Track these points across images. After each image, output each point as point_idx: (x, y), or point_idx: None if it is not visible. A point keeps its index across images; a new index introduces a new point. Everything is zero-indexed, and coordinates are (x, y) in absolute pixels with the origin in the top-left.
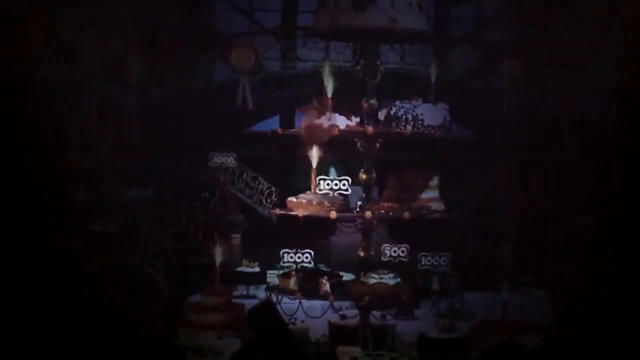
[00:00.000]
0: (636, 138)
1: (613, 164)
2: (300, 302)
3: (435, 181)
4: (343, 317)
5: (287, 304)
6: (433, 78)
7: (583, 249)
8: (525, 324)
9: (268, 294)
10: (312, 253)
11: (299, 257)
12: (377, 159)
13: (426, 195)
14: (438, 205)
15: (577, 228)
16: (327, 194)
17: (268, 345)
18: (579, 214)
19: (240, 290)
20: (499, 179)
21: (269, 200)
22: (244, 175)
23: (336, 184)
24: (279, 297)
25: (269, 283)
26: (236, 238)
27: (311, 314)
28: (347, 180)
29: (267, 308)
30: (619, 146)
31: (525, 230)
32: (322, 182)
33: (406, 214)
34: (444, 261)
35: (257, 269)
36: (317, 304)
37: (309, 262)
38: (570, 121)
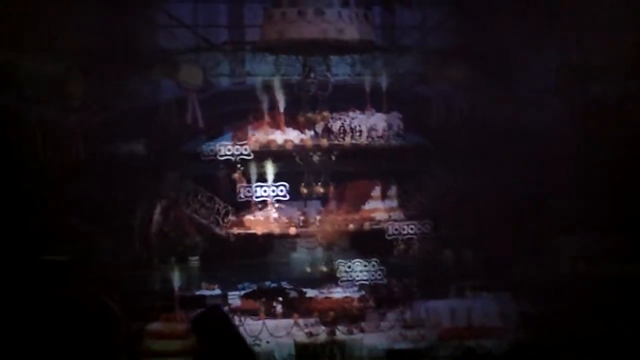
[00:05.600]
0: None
1: (560, 165)
2: (264, 323)
3: (393, 191)
4: (309, 334)
5: (250, 325)
6: (384, 87)
7: (550, 254)
8: (489, 328)
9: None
10: (287, 185)
11: (273, 191)
12: (332, 171)
13: (384, 205)
14: (397, 215)
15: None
16: (285, 209)
17: (218, 351)
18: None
19: None
20: (452, 185)
21: (225, 220)
22: (199, 196)
23: (273, 190)
24: (242, 318)
25: (230, 305)
26: (194, 261)
27: (276, 334)
28: (285, 185)
29: (213, 313)
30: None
31: (482, 236)
32: (258, 189)
33: (366, 225)
34: (373, 266)
35: (217, 291)
36: (281, 324)
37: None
38: (516, 127)
